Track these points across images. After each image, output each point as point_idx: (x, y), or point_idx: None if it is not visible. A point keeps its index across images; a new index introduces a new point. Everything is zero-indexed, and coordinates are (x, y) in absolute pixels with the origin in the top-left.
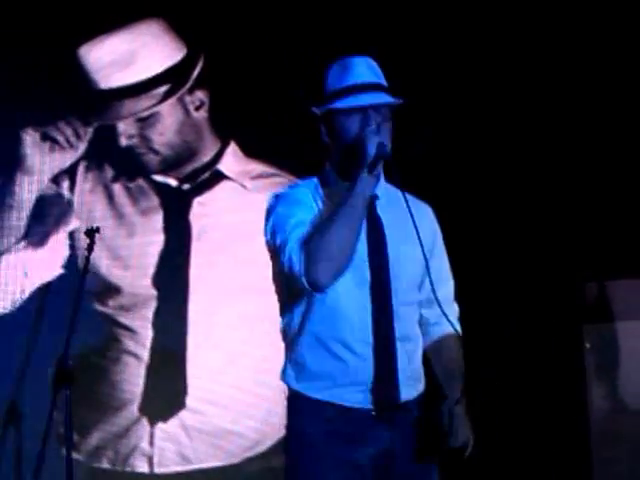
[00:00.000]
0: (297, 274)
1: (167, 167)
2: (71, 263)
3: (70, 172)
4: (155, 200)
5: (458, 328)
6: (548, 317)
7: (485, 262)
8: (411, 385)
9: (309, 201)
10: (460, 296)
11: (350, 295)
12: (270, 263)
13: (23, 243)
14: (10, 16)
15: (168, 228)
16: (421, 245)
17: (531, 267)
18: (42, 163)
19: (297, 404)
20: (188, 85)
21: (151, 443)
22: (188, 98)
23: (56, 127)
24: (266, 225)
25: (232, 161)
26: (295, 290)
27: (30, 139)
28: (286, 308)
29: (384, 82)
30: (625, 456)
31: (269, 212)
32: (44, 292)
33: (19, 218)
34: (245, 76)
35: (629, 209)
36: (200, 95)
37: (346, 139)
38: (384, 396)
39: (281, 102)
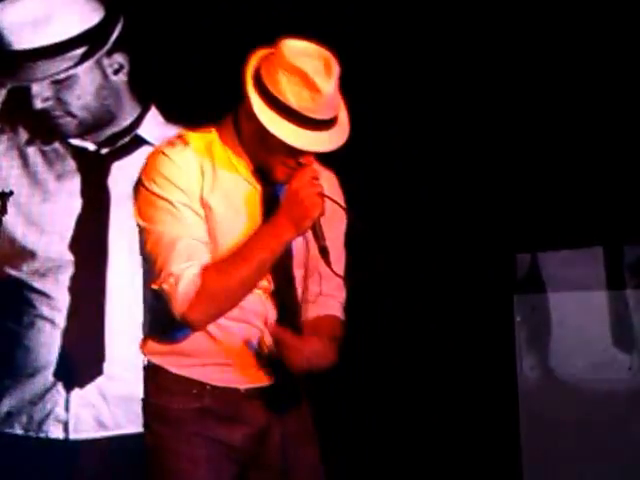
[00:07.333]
0: (174, 309)
1: (84, 131)
2: None
3: None
4: (72, 164)
5: None
6: (478, 288)
7: (413, 232)
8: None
9: (192, 178)
10: (389, 266)
11: None
12: None
13: None
14: None
15: (85, 193)
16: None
17: (462, 238)
18: None
19: (161, 378)
20: (106, 48)
21: (67, 409)
22: (106, 61)
23: None
24: (135, 198)
25: (152, 126)
26: None
27: None
28: (153, 290)
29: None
30: (552, 425)
31: (141, 183)
32: None
33: None
34: (165, 39)
35: (560, 180)
36: (119, 58)
37: (266, 157)
38: (254, 374)
39: (202, 66)
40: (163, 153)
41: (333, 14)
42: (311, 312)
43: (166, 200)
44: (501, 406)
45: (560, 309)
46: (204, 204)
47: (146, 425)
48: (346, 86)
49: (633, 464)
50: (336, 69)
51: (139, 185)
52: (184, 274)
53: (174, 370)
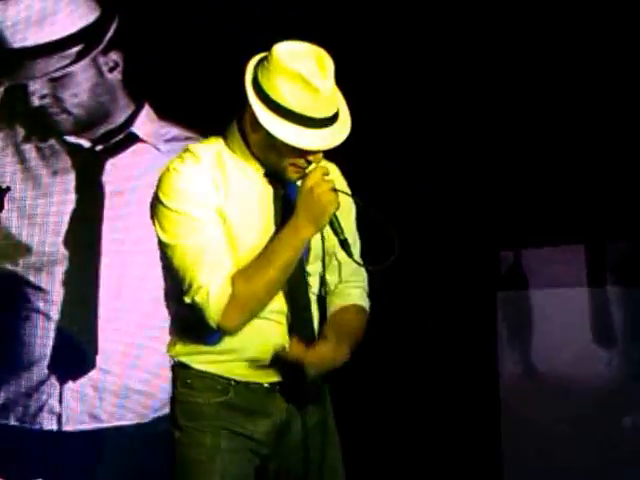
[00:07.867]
0: (209, 319)
1: (80, 128)
2: None
3: None
4: (67, 161)
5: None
6: (462, 285)
7: (398, 229)
8: None
9: (206, 191)
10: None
11: None
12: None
13: None
14: None
15: (80, 189)
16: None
17: (446, 235)
18: None
19: (187, 376)
20: (102, 46)
21: (60, 401)
22: (102, 59)
23: None
24: (154, 216)
25: (146, 123)
26: None
27: None
28: (178, 290)
29: (336, 106)
30: (534, 420)
31: (158, 200)
32: None
33: None
34: (160, 38)
35: (543, 179)
36: (114, 56)
37: (276, 161)
38: (277, 370)
39: (196, 64)
40: (175, 169)
41: (328, 9)
42: (334, 304)
43: (185, 214)
44: (483, 401)
45: (543, 306)
46: (221, 214)
47: (174, 421)
48: (341, 83)
49: (613, 457)
50: (330, 65)
51: (157, 203)
52: (213, 284)
53: (200, 367)
